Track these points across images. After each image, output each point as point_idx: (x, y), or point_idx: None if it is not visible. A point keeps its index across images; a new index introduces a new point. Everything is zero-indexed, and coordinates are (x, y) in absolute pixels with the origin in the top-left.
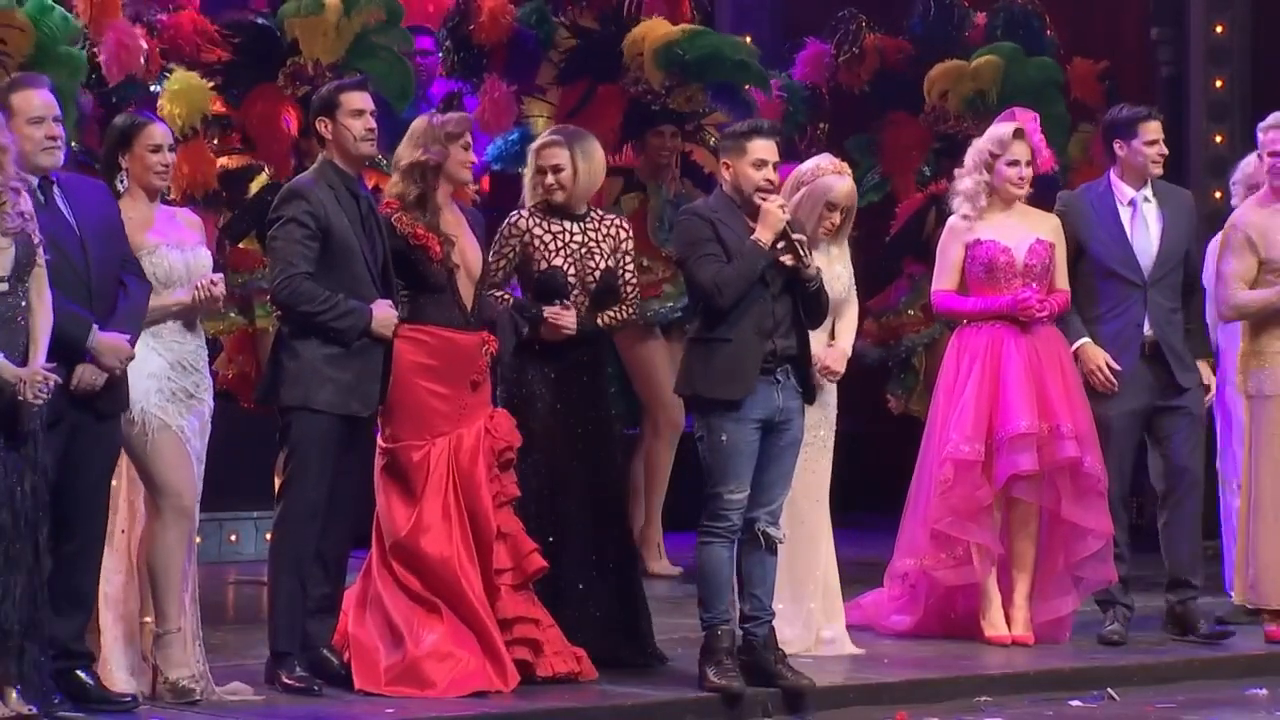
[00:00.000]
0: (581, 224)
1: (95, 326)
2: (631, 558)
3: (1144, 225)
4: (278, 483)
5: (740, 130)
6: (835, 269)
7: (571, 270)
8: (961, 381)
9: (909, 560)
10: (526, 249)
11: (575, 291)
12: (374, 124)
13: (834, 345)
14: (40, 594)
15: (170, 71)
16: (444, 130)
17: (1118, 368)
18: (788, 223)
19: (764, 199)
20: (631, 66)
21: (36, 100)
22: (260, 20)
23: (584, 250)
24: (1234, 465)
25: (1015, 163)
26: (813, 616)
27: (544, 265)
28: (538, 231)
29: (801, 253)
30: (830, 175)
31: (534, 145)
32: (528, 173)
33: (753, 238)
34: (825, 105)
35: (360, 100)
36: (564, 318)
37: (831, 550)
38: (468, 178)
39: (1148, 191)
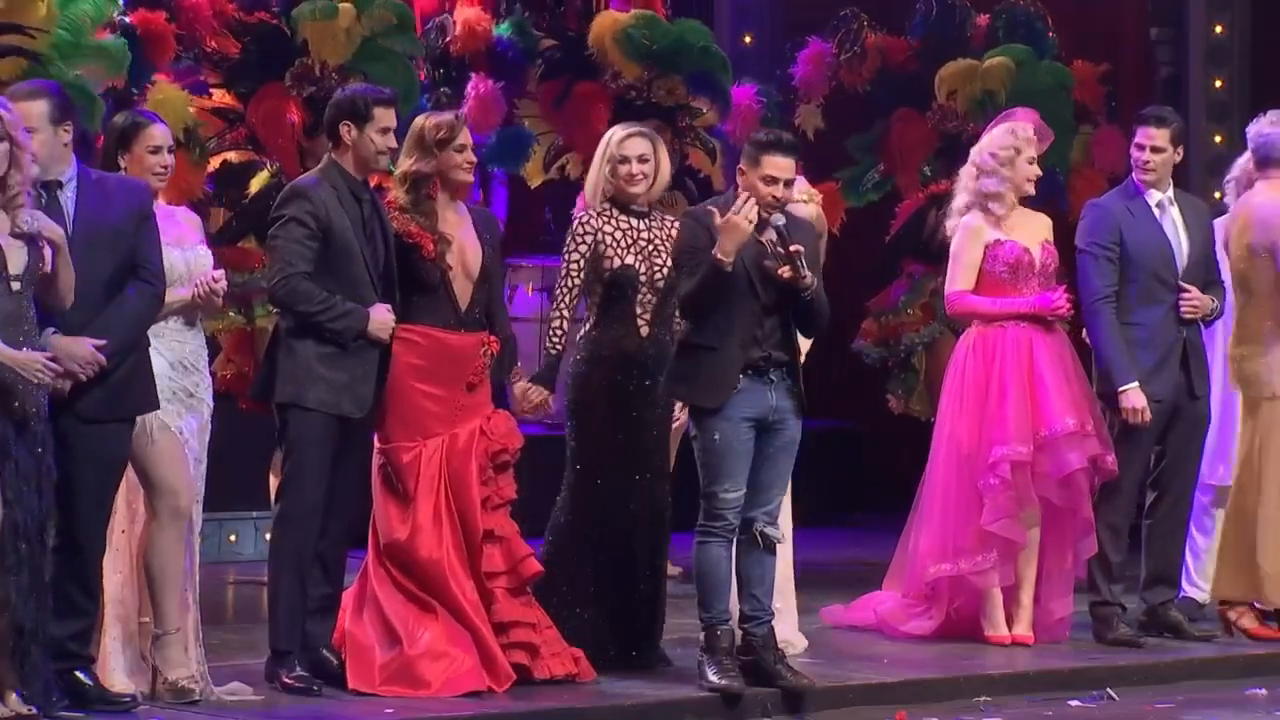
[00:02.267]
0: (646, 221)
1: (49, 330)
2: (664, 559)
3: (1174, 228)
4: (273, 481)
5: (761, 140)
6: None
7: (641, 269)
8: (975, 382)
9: (945, 565)
10: (598, 246)
11: (643, 290)
12: (395, 144)
13: None
14: (45, 596)
15: (151, 82)
16: (434, 138)
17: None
18: (781, 234)
19: (738, 211)
20: (603, 63)
21: (24, 110)
22: (273, 20)
23: (651, 248)
24: (1207, 465)
25: (1033, 160)
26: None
27: (616, 263)
28: (608, 229)
29: (798, 264)
30: (797, 203)
31: (613, 139)
32: (601, 166)
33: (713, 251)
34: (795, 112)
35: (390, 119)
36: (530, 397)
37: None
38: (465, 179)
39: (1171, 194)
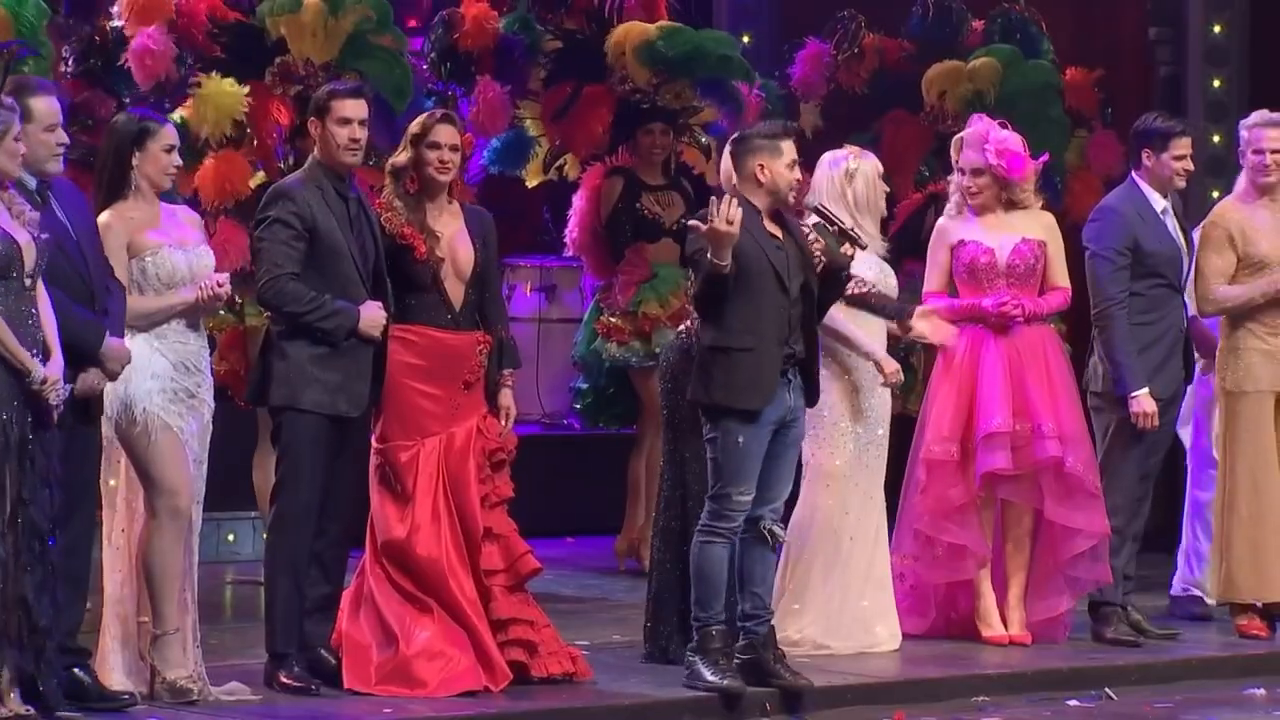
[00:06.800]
0: None
1: (108, 332)
2: None
3: (1176, 233)
4: (256, 480)
5: (774, 132)
6: (885, 276)
7: None
8: (934, 383)
9: (894, 558)
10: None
11: None
12: (360, 135)
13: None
14: (56, 594)
15: (198, 82)
16: (412, 133)
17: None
18: (826, 214)
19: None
20: (616, 67)
21: (52, 107)
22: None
23: None
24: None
25: (962, 171)
26: (866, 614)
27: None
28: None
29: (857, 236)
30: (868, 157)
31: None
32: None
33: (709, 258)
34: (798, 106)
35: (349, 109)
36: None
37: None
38: (436, 178)
39: (1170, 201)
